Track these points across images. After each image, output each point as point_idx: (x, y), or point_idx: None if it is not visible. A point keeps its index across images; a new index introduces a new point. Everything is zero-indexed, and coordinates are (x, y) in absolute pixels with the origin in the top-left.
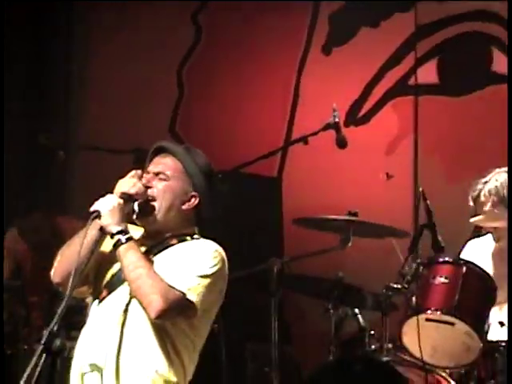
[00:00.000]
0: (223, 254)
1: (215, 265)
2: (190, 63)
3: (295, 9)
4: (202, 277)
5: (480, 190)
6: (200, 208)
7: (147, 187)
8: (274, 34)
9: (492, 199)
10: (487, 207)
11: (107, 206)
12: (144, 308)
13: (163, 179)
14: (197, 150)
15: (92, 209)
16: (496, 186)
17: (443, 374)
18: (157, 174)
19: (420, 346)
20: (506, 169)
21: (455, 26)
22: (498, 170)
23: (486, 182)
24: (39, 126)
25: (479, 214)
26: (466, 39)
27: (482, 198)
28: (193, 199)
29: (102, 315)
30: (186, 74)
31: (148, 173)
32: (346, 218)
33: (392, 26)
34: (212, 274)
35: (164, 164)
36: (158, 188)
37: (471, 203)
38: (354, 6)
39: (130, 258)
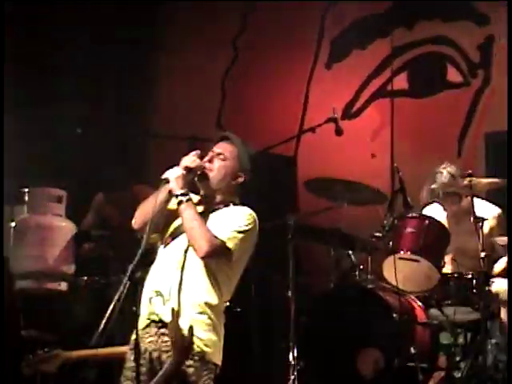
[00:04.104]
0: (255, 216)
1: (249, 224)
2: (230, 74)
3: (306, 35)
4: (238, 232)
5: (440, 173)
6: (243, 183)
7: (210, 161)
8: (291, 54)
9: (448, 172)
10: (446, 179)
11: (174, 175)
12: (195, 250)
13: (222, 159)
14: (247, 142)
15: (163, 176)
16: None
17: (412, 297)
18: (218, 154)
19: (395, 277)
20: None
21: (420, 47)
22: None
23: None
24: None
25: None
26: (428, 57)
27: (443, 173)
28: (239, 178)
29: (166, 256)
30: (227, 82)
31: (212, 152)
32: (345, 179)
33: (375, 48)
34: (246, 230)
35: (225, 148)
36: (217, 164)
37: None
38: (348, 34)
39: (188, 214)
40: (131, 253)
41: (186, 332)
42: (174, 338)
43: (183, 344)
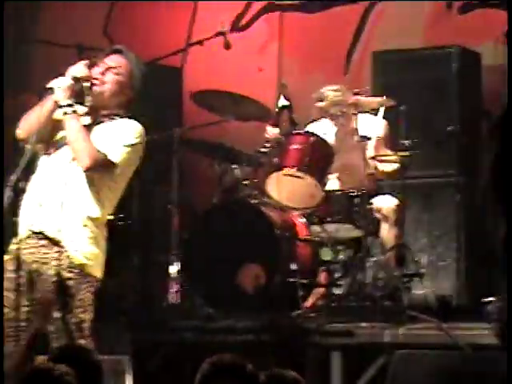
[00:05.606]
0: (143, 131)
1: (136, 137)
2: None
3: None
4: (124, 145)
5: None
6: (131, 99)
7: (102, 74)
8: None
9: (335, 91)
10: (333, 98)
11: (60, 84)
12: (78, 163)
13: (116, 73)
14: (139, 57)
15: (48, 86)
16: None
17: (295, 213)
18: (112, 67)
19: (279, 193)
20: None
21: None
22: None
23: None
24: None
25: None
26: None
27: (330, 91)
28: (130, 94)
29: (49, 167)
30: None
31: (105, 64)
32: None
33: None
34: (132, 144)
35: (119, 62)
36: (109, 77)
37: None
38: None
39: (73, 126)
40: (15, 163)
41: None
42: None
43: None
